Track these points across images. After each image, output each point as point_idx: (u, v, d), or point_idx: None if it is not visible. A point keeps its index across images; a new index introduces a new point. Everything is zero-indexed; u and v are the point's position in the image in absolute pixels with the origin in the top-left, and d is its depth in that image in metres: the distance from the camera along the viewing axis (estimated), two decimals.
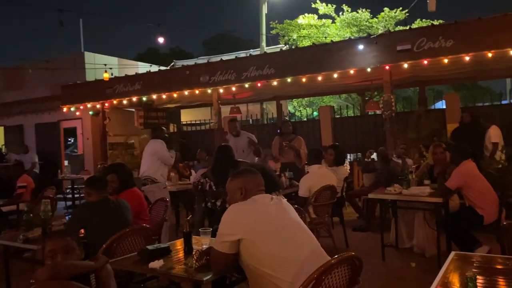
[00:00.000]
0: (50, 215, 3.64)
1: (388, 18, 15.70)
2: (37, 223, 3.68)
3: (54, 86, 11.99)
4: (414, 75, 8.34)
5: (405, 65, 7.29)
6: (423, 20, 15.94)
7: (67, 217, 4.09)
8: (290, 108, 17.75)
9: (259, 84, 8.64)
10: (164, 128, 6.85)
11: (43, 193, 6.63)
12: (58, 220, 3.94)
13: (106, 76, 10.26)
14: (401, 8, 15.63)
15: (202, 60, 13.51)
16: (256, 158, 7.27)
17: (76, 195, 11.01)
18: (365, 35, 11.26)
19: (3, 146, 14.50)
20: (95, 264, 2.04)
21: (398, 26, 15.21)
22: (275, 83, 8.51)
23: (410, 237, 5.23)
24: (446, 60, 6.90)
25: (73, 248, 2.04)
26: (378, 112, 9.63)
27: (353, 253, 2.15)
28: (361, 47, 7.43)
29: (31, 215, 3.75)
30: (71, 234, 2.13)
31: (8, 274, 3.84)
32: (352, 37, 11.77)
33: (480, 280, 2.03)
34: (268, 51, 12.96)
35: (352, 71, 7.66)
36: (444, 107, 9.39)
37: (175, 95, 9.89)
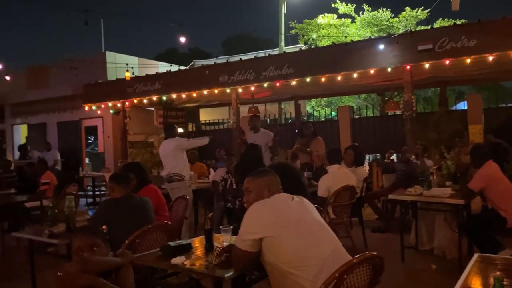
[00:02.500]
0: (74, 211, 3.72)
1: (409, 18, 15.53)
2: (61, 219, 3.76)
3: (76, 85, 12.21)
4: (436, 75, 8.23)
5: (427, 65, 7.20)
6: (445, 19, 15.72)
7: (89, 213, 4.17)
8: (308, 108, 17.69)
9: (278, 84, 8.65)
10: (176, 126, 6.86)
11: (66, 189, 6.76)
12: (81, 215, 4.02)
13: (127, 75, 10.41)
14: (422, 7, 15.45)
15: (221, 60, 13.57)
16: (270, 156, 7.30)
17: (97, 192, 11.21)
18: (385, 34, 11.16)
19: (27, 144, 14.82)
20: (122, 261, 2.07)
21: (420, 26, 15.03)
22: (294, 82, 8.51)
23: (430, 239, 5.18)
24: (468, 60, 6.80)
25: (98, 245, 2.06)
26: (398, 112, 9.54)
27: (375, 253, 2.15)
28: (381, 46, 7.37)
29: (56, 210, 3.83)
30: (97, 230, 2.17)
31: (34, 268, 3.93)
32: (372, 37, 11.67)
33: (504, 282, 2.00)
34: (287, 51, 12.95)
35: (372, 71, 7.60)
36: (466, 108, 9.24)
37: (194, 95, 9.97)
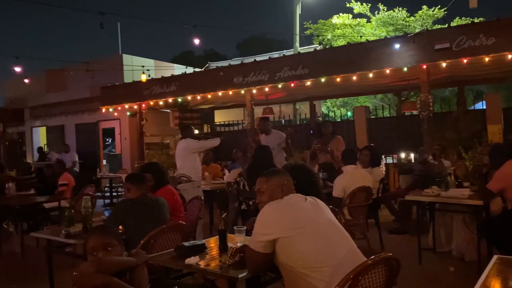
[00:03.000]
0: (91, 211, 3.77)
1: (426, 17, 15.34)
2: (78, 219, 3.81)
3: (94, 87, 12.39)
4: (453, 74, 8.11)
5: (444, 64, 7.08)
6: (462, 18, 15.48)
7: (106, 213, 4.21)
8: (324, 108, 17.61)
9: (292, 85, 8.62)
10: (192, 126, 6.95)
11: (83, 190, 6.86)
12: (98, 216, 4.07)
13: (143, 78, 10.53)
14: (439, 6, 15.24)
15: (236, 61, 13.61)
16: (284, 156, 7.29)
17: (114, 193, 11.35)
18: (401, 34, 11.04)
19: (45, 146, 15.11)
20: (136, 261, 2.09)
21: (436, 25, 14.83)
22: (308, 83, 8.47)
23: (448, 241, 5.09)
24: (487, 59, 6.67)
25: (113, 245, 2.08)
26: (414, 112, 9.42)
27: (391, 254, 2.12)
28: (397, 46, 7.28)
29: (73, 211, 3.88)
30: (111, 230, 2.19)
31: (51, 267, 3.99)
32: (388, 36, 11.56)
33: None
34: (302, 52, 12.92)
35: (388, 71, 7.51)
36: (485, 107, 9.08)
37: (209, 96, 10.01)
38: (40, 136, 15.76)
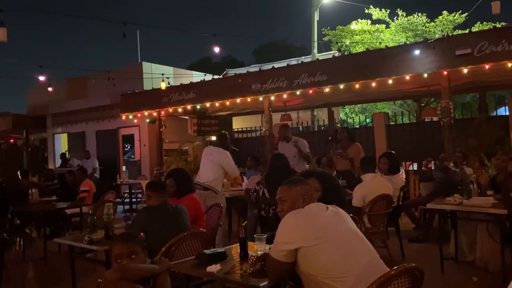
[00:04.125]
0: (113, 218, 3.82)
1: (446, 22, 15.15)
2: (100, 226, 3.86)
3: (114, 95, 12.59)
4: (474, 80, 7.98)
5: (465, 70, 7.00)
6: (484, 23, 15.24)
7: (125, 220, 4.26)
8: (342, 114, 17.51)
9: (310, 91, 8.62)
10: (228, 136, 6.61)
11: (104, 197, 6.96)
12: (119, 222, 4.12)
13: (163, 85, 10.65)
14: (460, 11, 15.04)
15: (254, 68, 13.68)
16: (307, 165, 7.25)
17: (133, 199, 11.48)
18: (421, 39, 10.93)
19: (67, 152, 15.40)
20: (160, 268, 2.11)
21: (457, 30, 14.64)
22: (327, 89, 8.45)
23: (471, 250, 4.99)
24: (510, 64, 6.56)
25: (137, 253, 2.11)
26: (435, 119, 9.29)
27: (414, 264, 2.09)
28: (417, 52, 7.21)
29: (95, 218, 3.94)
30: (135, 238, 2.22)
31: (74, 273, 4.05)
32: (408, 42, 11.46)
33: None
34: (320, 58, 12.90)
35: (408, 77, 7.45)
36: (507, 113, 8.90)
37: (227, 103, 10.07)
38: (61, 143, 16.06)
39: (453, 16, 15.10)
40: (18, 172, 8.47)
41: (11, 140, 18.27)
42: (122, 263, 2.07)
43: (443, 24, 15.15)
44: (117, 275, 2.00)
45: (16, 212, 6.53)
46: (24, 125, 16.04)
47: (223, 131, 7.79)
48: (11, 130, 16.34)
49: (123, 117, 12.14)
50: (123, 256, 2.09)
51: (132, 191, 11.58)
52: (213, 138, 11.14)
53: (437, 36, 12.82)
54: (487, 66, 6.68)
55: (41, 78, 10.79)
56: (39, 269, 5.82)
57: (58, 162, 15.19)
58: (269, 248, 2.51)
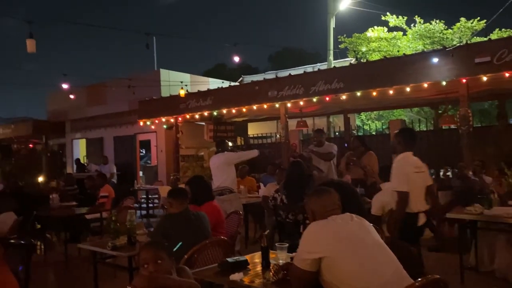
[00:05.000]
0: (135, 224, 3.89)
1: (464, 29, 14.99)
2: (122, 232, 3.93)
3: (132, 101, 12.76)
4: (493, 88, 7.91)
5: (484, 78, 6.94)
6: (503, 29, 15.07)
7: (145, 227, 4.33)
8: (358, 121, 17.42)
9: (327, 98, 8.62)
10: (227, 141, 7.00)
11: (123, 202, 7.05)
12: (140, 228, 4.18)
13: (182, 93, 10.77)
14: (478, 18, 14.89)
15: (270, 75, 13.74)
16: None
17: (150, 205, 11.58)
18: (439, 47, 10.87)
19: (85, 157, 15.64)
20: (189, 286, 2.15)
21: (475, 37, 14.48)
22: (344, 97, 8.45)
23: (492, 260, 4.93)
24: None
25: (162, 258, 2.19)
26: (453, 126, 9.22)
27: (438, 276, 2.10)
28: (435, 59, 7.18)
29: (118, 224, 4.01)
30: (162, 245, 2.29)
31: (97, 278, 4.13)
32: (425, 50, 11.39)
33: None
34: (336, 65, 12.89)
35: (426, 85, 7.42)
36: None
37: (244, 110, 10.14)
38: (79, 148, 16.31)
39: (471, 23, 14.94)
40: (39, 178, 8.62)
41: (31, 145, 18.63)
42: (148, 268, 2.13)
43: (461, 31, 15.00)
44: (145, 284, 2.06)
45: (36, 217, 6.66)
46: (43, 130, 16.34)
47: (221, 138, 7.89)
48: (31, 136, 16.68)
49: (141, 123, 12.29)
50: (150, 260, 2.18)
51: (149, 196, 11.69)
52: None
53: (455, 43, 12.71)
54: (507, 74, 6.62)
55: (65, 86, 11.01)
56: (60, 273, 5.93)
57: (75, 167, 15.45)
58: (291, 258, 2.54)
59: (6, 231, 4.84)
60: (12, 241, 3.86)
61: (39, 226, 6.97)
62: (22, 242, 3.58)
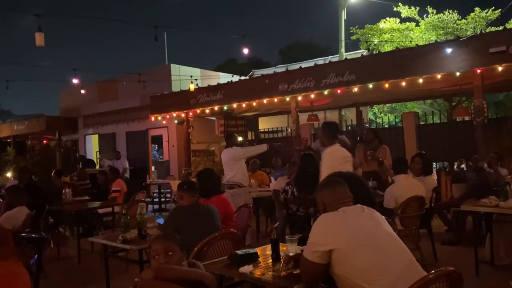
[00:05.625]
0: (145, 217, 3.89)
1: (479, 19, 14.73)
2: (133, 225, 3.93)
3: (143, 96, 12.82)
4: (509, 78, 7.74)
5: (499, 68, 6.79)
6: None
7: (157, 220, 4.33)
8: (370, 114, 17.27)
9: (339, 91, 8.53)
10: (236, 134, 6.97)
11: (135, 196, 7.09)
12: (151, 222, 4.19)
13: (192, 87, 10.77)
14: (493, 7, 14.60)
15: (280, 68, 13.65)
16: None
17: (162, 199, 11.65)
18: (452, 37, 10.68)
19: (97, 153, 15.77)
20: (201, 276, 2.13)
21: (490, 27, 14.22)
22: (355, 89, 8.35)
23: (508, 253, 4.84)
24: None
25: (173, 250, 2.19)
26: (467, 118, 9.07)
27: (452, 268, 2.04)
28: (449, 50, 7.05)
29: (128, 217, 4.02)
30: (173, 237, 2.29)
31: (108, 271, 4.15)
32: (439, 40, 11.20)
33: None
34: (348, 57, 12.76)
35: (439, 76, 7.29)
36: None
37: (254, 104, 10.09)
38: (92, 144, 16.46)
39: (486, 13, 14.67)
40: (53, 173, 8.69)
41: (45, 142, 18.85)
42: (159, 259, 2.13)
43: (475, 21, 14.74)
44: (151, 274, 2.05)
45: (49, 211, 6.73)
46: (57, 126, 16.53)
47: (229, 132, 7.90)
48: (44, 132, 16.87)
49: (152, 118, 12.33)
50: (160, 252, 2.18)
51: (161, 191, 11.75)
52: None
53: (468, 33, 12.49)
54: None
55: (75, 81, 11.09)
56: (73, 267, 5.98)
57: (81, 163, 15.62)
58: (301, 251, 2.50)
59: (19, 225, 4.88)
60: (24, 235, 3.87)
61: (52, 220, 7.04)
62: (34, 235, 3.60)
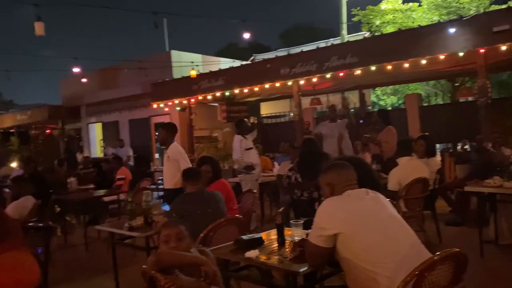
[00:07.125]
0: (151, 205, 3.91)
1: None
2: (139, 213, 3.96)
3: (145, 84, 12.76)
4: None
5: (503, 48, 6.72)
6: None
7: (162, 207, 4.36)
8: (373, 97, 17.16)
9: (341, 74, 8.48)
10: (245, 119, 7.09)
11: (140, 184, 7.12)
12: (156, 209, 4.22)
13: (193, 73, 10.71)
14: None
15: (282, 52, 13.54)
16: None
17: None
18: (455, 17, 10.55)
19: (101, 141, 15.80)
20: (199, 261, 2.15)
21: (493, 6, 14.01)
22: (358, 72, 8.30)
23: None
24: None
25: (185, 236, 2.23)
26: (470, 99, 9.02)
27: (458, 249, 2.05)
28: (452, 30, 6.98)
29: (134, 205, 4.04)
30: (183, 223, 2.31)
31: (115, 258, 4.19)
32: (441, 20, 11.07)
33: None
34: (350, 40, 12.64)
35: (442, 57, 7.23)
36: None
37: (256, 89, 10.05)
38: (95, 132, 16.48)
39: None
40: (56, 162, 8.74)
41: (48, 131, 18.88)
42: (170, 244, 2.16)
43: (479, 0, 14.53)
44: (153, 260, 2.07)
45: (56, 200, 6.77)
46: (59, 115, 16.53)
47: (239, 118, 7.96)
48: (47, 121, 16.89)
49: (154, 105, 12.31)
50: (172, 237, 2.21)
51: None
52: None
53: (471, 12, 12.32)
54: None
55: (76, 69, 11.06)
56: (80, 255, 6.05)
57: (94, 151, 15.65)
58: (306, 235, 2.52)
59: (26, 214, 4.92)
60: (31, 224, 3.91)
61: (58, 209, 7.09)
62: (41, 225, 3.63)
